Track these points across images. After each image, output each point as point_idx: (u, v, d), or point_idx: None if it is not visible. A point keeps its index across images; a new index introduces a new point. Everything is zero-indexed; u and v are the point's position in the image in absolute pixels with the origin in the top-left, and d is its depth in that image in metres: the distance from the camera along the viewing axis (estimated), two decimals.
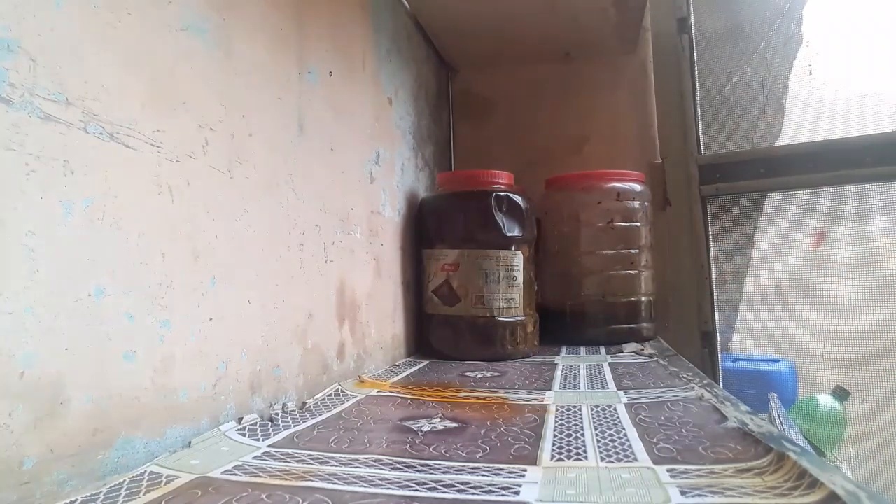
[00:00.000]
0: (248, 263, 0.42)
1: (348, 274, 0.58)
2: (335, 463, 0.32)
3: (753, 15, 1.06)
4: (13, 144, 0.26)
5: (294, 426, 0.40)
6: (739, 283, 1.03)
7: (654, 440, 0.34)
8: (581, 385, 0.54)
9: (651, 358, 0.69)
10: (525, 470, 0.30)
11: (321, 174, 0.54)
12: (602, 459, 0.31)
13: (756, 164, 0.95)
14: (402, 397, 0.50)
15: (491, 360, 0.69)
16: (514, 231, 0.73)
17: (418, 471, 0.30)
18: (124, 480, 0.28)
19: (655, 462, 0.30)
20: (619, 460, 0.31)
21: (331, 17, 0.58)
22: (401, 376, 0.60)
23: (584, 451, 0.33)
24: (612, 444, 0.34)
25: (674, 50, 1.02)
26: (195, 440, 0.35)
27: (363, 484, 0.28)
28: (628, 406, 0.44)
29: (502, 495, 0.27)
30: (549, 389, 0.52)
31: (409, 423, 0.40)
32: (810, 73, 1.03)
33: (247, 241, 0.42)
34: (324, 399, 0.48)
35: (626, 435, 0.36)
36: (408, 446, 0.35)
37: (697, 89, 1.03)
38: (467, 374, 0.61)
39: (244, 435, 0.37)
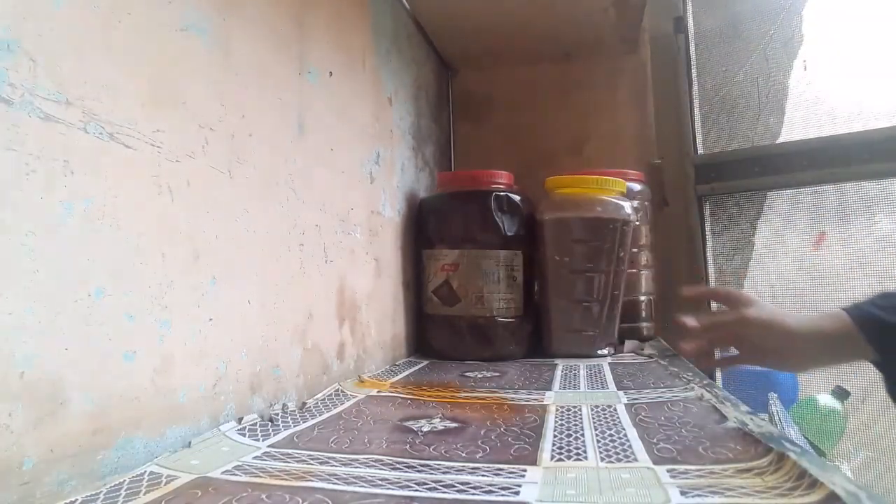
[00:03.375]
0: (248, 263, 0.42)
1: (348, 274, 0.58)
2: (335, 463, 0.32)
3: (753, 14, 1.06)
4: (13, 144, 0.26)
5: (294, 426, 0.40)
6: (739, 283, 1.02)
7: (654, 440, 0.34)
8: (581, 385, 0.54)
9: (651, 358, 0.69)
10: (525, 470, 0.30)
11: (321, 174, 0.54)
12: (602, 459, 0.31)
13: (751, 163, 0.95)
14: (402, 397, 0.49)
15: (491, 360, 0.69)
16: (514, 231, 0.73)
17: (418, 471, 0.30)
18: (124, 480, 0.28)
19: (655, 462, 0.30)
20: (619, 460, 0.31)
21: (331, 18, 0.58)
22: (401, 376, 0.60)
23: (584, 452, 0.33)
24: (612, 445, 0.34)
25: (671, 50, 1.02)
26: (195, 440, 0.35)
27: (363, 484, 0.28)
28: (628, 406, 0.44)
29: (502, 495, 0.27)
30: (549, 389, 0.52)
31: (409, 423, 0.40)
32: (805, 68, 1.03)
33: (247, 241, 0.42)
34: (324, 399, 0.48)
35: (626, 435, 0.36)
36: (408, 446, 0.35)
37: (694, 89, 1.03)
38: (467, 374, 0.61)
39: (244, 435, 0.37)
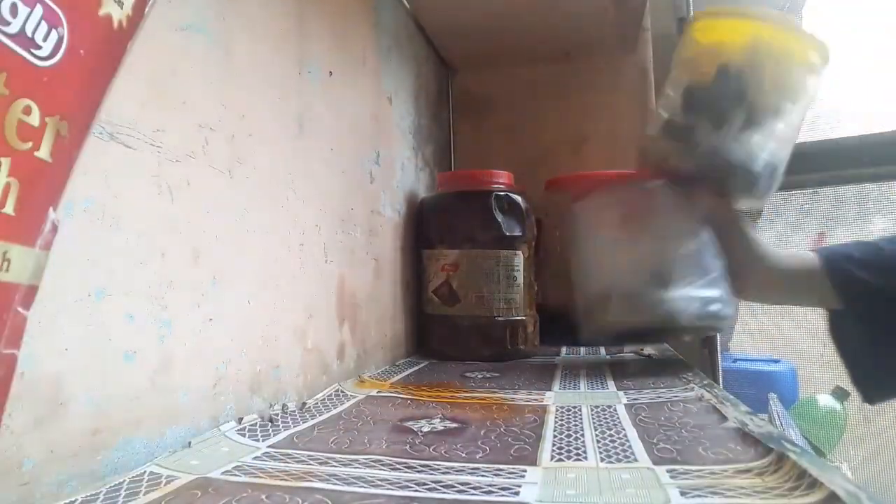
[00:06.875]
0: (248, 263, 0.42)
1: (348, 274, 0.58)
2: (335, 463, 0.32)
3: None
4: None
5: (294, 426, 0.40)
6: None
7: (654, 440, 0.34)
8: (581, 385, 0.54)
9: (651, 358, 0.69)
10: (525, 470, 0.30)
11: (321, 174, 0.54)
12: (602, 460, 0.31)
13: None
14: (402, 397, 0.49)
15: (491, 360, 0.69)
16: (514, 231, 0.73)
17: (418, 471, 0.30)
18: (124, 481, 0.28)
19: (655, 463, 0.30)
20: (619, 461, 0.31)
21: (331, 17, 0.58)
22: (401, 376, 0.60)
23: (584, 452, 0.33)
24: (612, 445, 0.34)
25: (673, 50, 1.02)
26: (195, 440, 0.35)
27: (363, 484, 0.28)
28: (628, 406, 0.44)
29: (502, 496, 0.27)
30: (549, 389, 0.52)
31: (409, 424, 0.40)
32: None
33: (247, 240, 0.42)
34: (324, 399, 0.48)
35: (626, 435, 0.36)
36: (408, 446, 0.35)
37: None
38: (467, 374, 0.61)
39: (244, 435, 0.37)
